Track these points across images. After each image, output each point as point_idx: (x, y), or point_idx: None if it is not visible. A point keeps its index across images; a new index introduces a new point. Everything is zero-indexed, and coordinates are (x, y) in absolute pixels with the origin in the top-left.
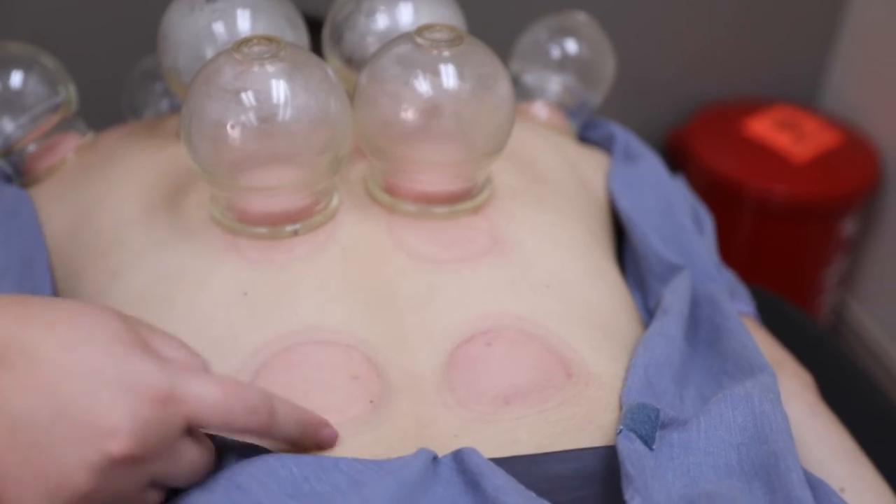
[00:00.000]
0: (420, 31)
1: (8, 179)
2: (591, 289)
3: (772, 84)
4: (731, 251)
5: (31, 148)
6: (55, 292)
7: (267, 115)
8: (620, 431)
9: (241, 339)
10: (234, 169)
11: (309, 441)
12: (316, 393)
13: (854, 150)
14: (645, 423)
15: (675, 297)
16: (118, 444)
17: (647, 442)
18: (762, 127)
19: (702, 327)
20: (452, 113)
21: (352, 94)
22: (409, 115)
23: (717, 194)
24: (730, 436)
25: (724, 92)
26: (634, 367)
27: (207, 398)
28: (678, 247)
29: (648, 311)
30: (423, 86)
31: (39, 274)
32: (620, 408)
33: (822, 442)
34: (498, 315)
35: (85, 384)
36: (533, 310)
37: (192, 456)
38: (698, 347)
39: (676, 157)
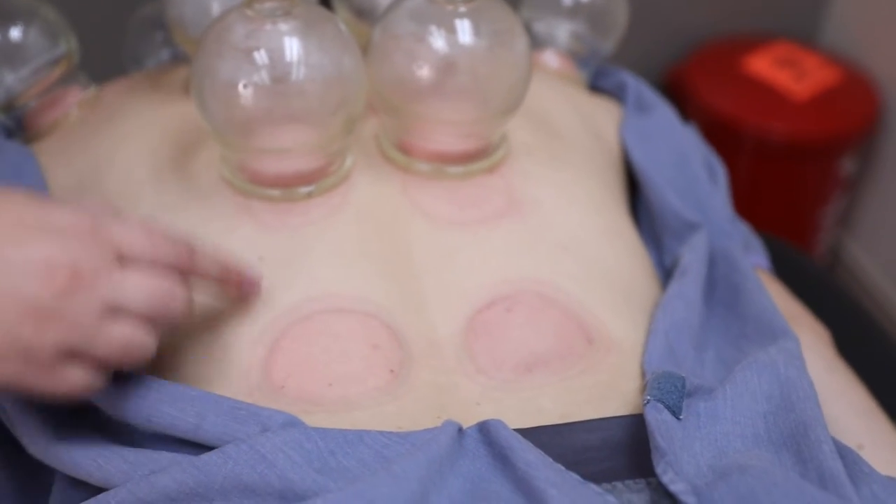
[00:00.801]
0: None
1: (9, 135)
2: (610, 249)
3: (772, 20)
4: (729, 189)
5: (33, 102)
6: None
7: (280, 75)
8: (648, 402)
9: (258, 308)
10: (246, 130)
11: (231, 287)
12: (337, 363)
13: (854, 88)
14: (672, 392)
15: (693, 258)
16: (51, 283)
17: (675, 412)
18: (762, 64)
19: (719, 287)
20: (468, 70)
21: (363, 48)
22: (423, 71)
23: (715, 133)
24: (756, 404)
25: (723, 28)
26: (655, 333)
27: (131, 230)
28: (693, 200)
29: (664, 269)
30: (438, 42)
31: None
32: (642, 375)
33: (839, 398)
34: (517, 279)
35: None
36: (552, 273)
37: (124, 330)
38: (716, 309)
39: (674, 95)
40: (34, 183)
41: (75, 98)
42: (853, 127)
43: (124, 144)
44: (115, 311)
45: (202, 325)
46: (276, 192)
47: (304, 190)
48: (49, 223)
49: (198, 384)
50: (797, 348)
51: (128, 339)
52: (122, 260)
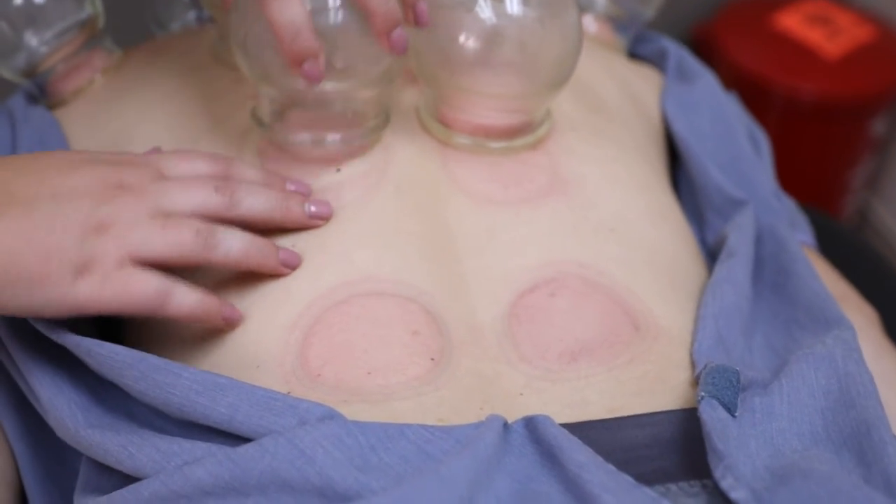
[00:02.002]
0: None
1: (33, 101)
2: (655, 230)
3: None
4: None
5: (58, 67)
6: None
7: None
8: (702, 398)
9: (294, 291)
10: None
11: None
12: (376, 350)
13: (888, 47)
14: (727, 388)
15: (740, 238)
16: (118, 242)
17: (730, 409)
18: (792, 21)
19: (766, 267)
20: (516, 42)
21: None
22: (470, 42)
23: (743, 92)
24: (813, 400)
25: None
26: (703, 319)
27: (170, 156)
28: (737, 175)
29: (706, 246)
30: (485, 12)
31: None
32: (692, 365)
33: (891, 385)
34: (561, 262)
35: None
36: (597, 256)
37: (177, 230)
38: (763, 291)
39: (702, 52)
40: (58, 148)
41: (100, 63)
42: (885, 87)
43: (150, 112)
44: (165, 214)
45: (245, 308)
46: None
47: (331, 139)
48: (95, 157)
49: (230, 371)
50: (854, 338)
51: (181, 238)
52: (165, 176)
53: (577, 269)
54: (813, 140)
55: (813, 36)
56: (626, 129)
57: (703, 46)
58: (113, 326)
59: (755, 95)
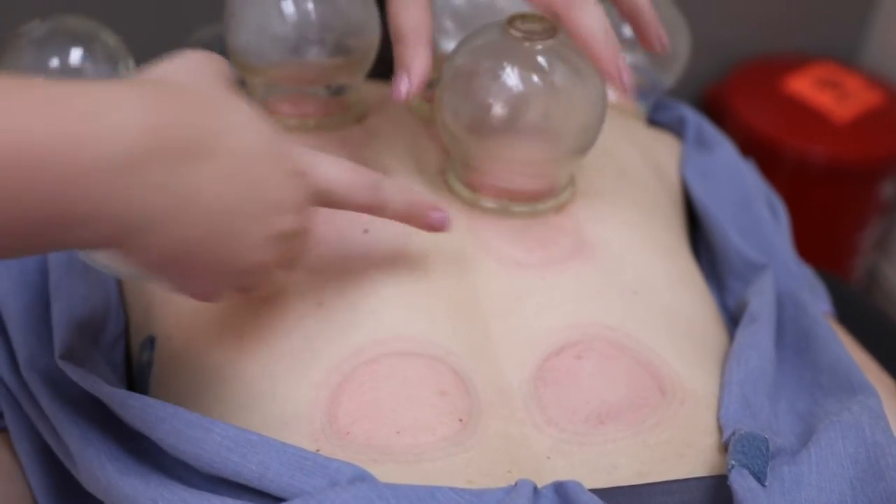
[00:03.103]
0: (512, 20)
1: None
2: (678, 294)
3: (812, 39)
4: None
5: None
6: (121, 289)
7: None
8: (732, 467)
9: (321, 351)
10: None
11: (418, 221)
12: (405, 409)
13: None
14: (756, 456)
15: (762, 302)
16: (287, 219)
17: (760, 478)
18: (803, 85)
19: (787, 331)
20: (542, 109)
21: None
22: (497, 109)
23: (754, 153)
24: (842, 469)
25: (763, 47)
26: (729, 385)
27: (335, 175)
28: (757, 241)
29: (727, 310)
30: (512, 79)
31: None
32: (718, 430)
33: None
34: (587, 324)
35: (265, 168)
36: (622, 319)
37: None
38: (785, 354)
39: (714, 113)
40: None
41: None
42: (894, 150)
43: None
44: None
45: (266, 367)
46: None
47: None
48: (283, 155)
49: (260, 427)
50: (879, 406)
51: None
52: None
53: (603, 332)
54: (822, 202)
55: (822, 99)
56: (648, 195)
57: (715, 108)
58: (142, 381)
59: (765, 157)
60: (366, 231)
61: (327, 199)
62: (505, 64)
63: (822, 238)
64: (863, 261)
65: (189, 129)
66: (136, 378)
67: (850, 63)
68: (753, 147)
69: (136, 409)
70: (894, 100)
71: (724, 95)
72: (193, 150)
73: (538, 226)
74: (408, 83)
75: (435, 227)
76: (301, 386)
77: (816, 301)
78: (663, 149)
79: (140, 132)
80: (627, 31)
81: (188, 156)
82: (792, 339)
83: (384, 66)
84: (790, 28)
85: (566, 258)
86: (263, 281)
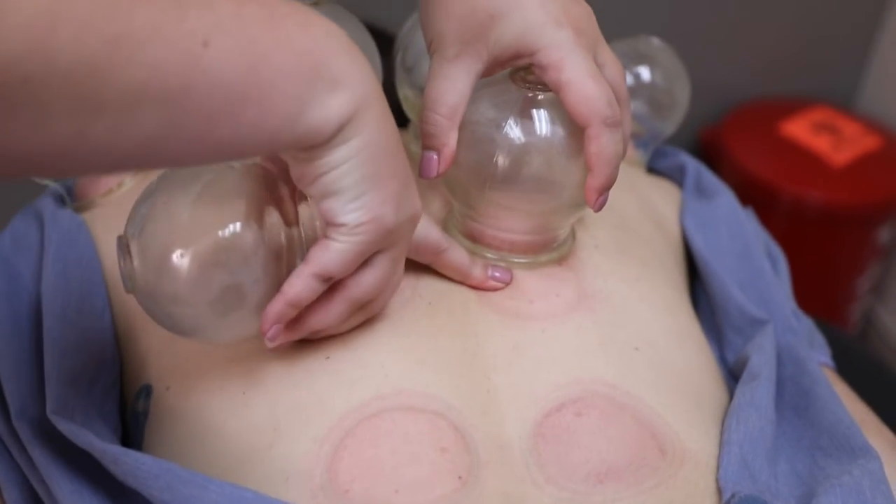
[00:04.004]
0: (514, 73)
1: (61, 202)
2: (679, 352)
3: (809, 84)
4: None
5: None
6: (116, 336)
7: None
8: None
9: (328, 403)
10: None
11: (479, 276)
12: (404, 467)
13: (893, 156)
14: None
15: (761, 359)
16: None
17: None
18: (799, 128)
19: (787, 390)
20: (545, 159)
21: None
22: (499, 159)
23: (750, 196)
24: None
25: (760, 91)
26: (729, 445)
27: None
28: (756, 293)
29: (725, 364)
30: (515, 131)
31: (99, 312)
32: (718, 491)
33: None
34: (587, 381)
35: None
36: (623, 376)
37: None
38: (785, 413)
39: (710, 156)
40: (87, 254)
41: None
42: (891, 196)
43: None
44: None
45: (269, 420)
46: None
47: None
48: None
49: (259, 483)
50: (880, 469)
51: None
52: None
53: (604, 389)
54: (819, 247)
55: (819, 144)
56: (649, 247)
57: (711, 151)
58: (136, 431)
59: (762, 200)
60: None
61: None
62: (509, 115)
63: (819, 283)
64: (859, 306)
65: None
66: (129, 427)
67: (847, 108)
68: (750, 190)
69: (129, 465)
70: (891, 144)
71: (720, 138)
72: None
73: (539, 277)
74: (437, 164)
75: (501, 280)
76: (304, 440)
77: (816, 354)
78: (663, 197)
79: None
80: (628, 77)
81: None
82: (791, 398)
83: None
84: (787, 72)
85: (567, 310)
86: (384, 258)
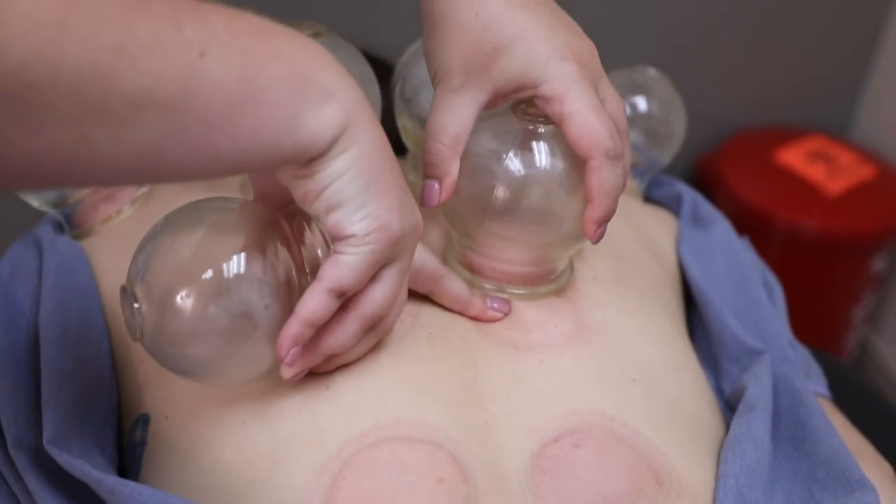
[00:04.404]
0: (516, 105)
1: (60, 229)
2: (676, 384)
3: (804, 112)
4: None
5: (88, 198)
6: (114, 365)
7: None
8: None
9: (327, 433)
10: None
11: (479, 307)
12: (402, 498)
13: (888, 185)
14: None
15: (758, 390)
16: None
17: None
18: (794, 157)
19: (783, 421)
20: (545, 192)
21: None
22: (499, 191)
23: (745, 224)
24: None
25: (755, 119)
26: (725, 477)
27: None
28: (752, 323)
29: (721, 394)
30: (515, 163)
31: (97, 341)
32: None
33: None
34: (585, 412)
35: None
36: (620, 407)
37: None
38: (781, 445)
39: (706, 184)
40: (85, 281)
41: (129, 195)
42: (886, 225)
43: None
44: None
45: (268, 450)
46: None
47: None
48: None
49: None
50: (876, 503)
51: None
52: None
53: (601, 420)
54: (814, 276)
55: (814, 172)
56: (646, 278)
57: (706, 179)
58: (133, 460)
59: (757, 229)
60: None
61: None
62: (510, 147)
63: (814, 312)
64: (855, 335)
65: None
66: (126, 456)
67: (841, 137)
68: (745, 218)
69: (126, 496)
70: (885, 174)
71: (716, 166)
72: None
73: (538, 308)
74: (438, 193)
75: (499, 310)
76: (303, 471)
77: (812, 384)
78: (659, 226)
79: None
80: (627, 108)
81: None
82: (788, 429)
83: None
84: (782, 101)
85: (565, 341)
86: (393, 272)
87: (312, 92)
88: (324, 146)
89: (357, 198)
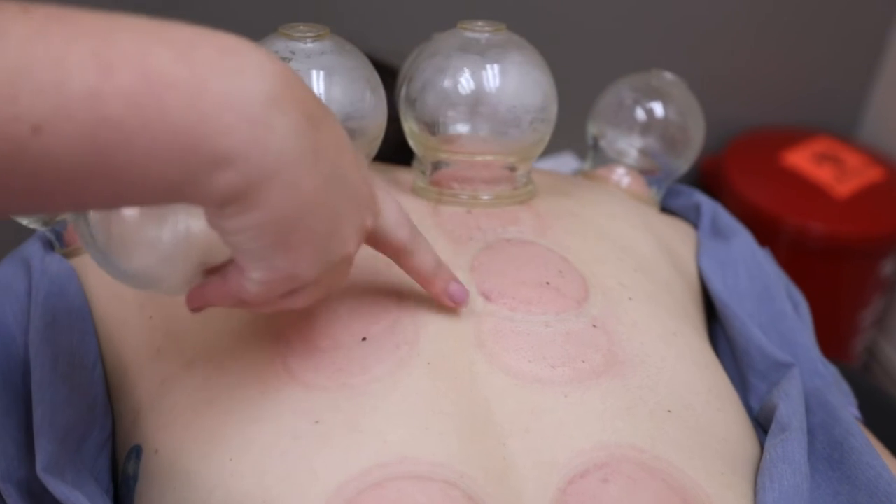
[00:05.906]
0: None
1: (50, 247)
2: (713, 411)
3: (811, 113)
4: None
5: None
6: (108, 390)
7: None
8: None
9: (322, 473)
10: None
11: (437, 285)
12: None
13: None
14: None
15: (790, 408)
16: (367, 219)
17: None
18: (801, 159)
19: (818, 439)
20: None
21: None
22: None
23: (751, 226)
24: None
25: (761, 120)
26: None
27: (390, 204)
28: (778, 336)
29: (749, 410)
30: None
31: (91, 365)
32: None
33: None
34: (614, 445)
35: (355, 164)
36: (653, 440)
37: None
38: (818, 465)
39: (711, 186)
40: (77, 303)
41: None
42: (894, 228)
43: None
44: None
45: (260, 490)
46: None
47: None
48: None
49: None
50: None
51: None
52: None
53: (632, 453)
54: (822, 279)
55: (822, 174)
56: (675, 297)
57: (712, 180)
58: (126, 494)
59: (763, 231)
60: (364, 339)
61: (378, 224)
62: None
63: (822, 316)
64: (862, 339)
65: (307, 93)
66: (121, 489)
67: (848, 138)
68: (751, 221)
69: None
70: (893, 177)
71: (721, 168)
72: (311, 111)
73: (565, 339)
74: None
75: (453, 297)
76: None
77: (846, 405)
78: (679, 237)
79: (277, 73)
80: (641, 113)
81: (310, 114)
82: (824, 448)
83: (389, 148)
84: (788, 102)
85: (595, 375)
86: (313, 290)
87: (198, 162)
88: (214, 207)
89: (257, 253)
